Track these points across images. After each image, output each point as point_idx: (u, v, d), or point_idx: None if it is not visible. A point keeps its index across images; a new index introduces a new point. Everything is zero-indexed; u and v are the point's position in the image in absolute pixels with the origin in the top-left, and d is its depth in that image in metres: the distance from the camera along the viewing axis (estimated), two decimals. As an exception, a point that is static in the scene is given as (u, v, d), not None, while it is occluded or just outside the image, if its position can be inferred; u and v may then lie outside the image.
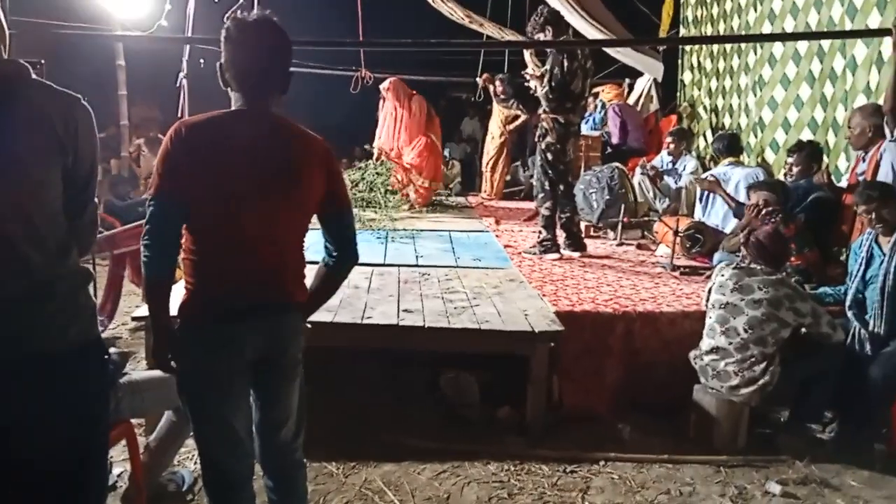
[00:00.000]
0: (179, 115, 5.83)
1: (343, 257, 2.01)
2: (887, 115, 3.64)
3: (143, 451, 2.58)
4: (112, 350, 2.35)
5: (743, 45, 6.73)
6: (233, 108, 1.87)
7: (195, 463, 2.93)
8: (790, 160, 4.65)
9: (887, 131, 3.66)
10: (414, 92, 7.34)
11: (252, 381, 1.95)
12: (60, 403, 1.54)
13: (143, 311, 3.32)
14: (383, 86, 7.32)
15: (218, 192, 1.78)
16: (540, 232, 5.06)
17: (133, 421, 2.55)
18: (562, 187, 4.97)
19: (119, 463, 2.79)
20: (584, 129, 7.52)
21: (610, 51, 7.35)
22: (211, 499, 1.99)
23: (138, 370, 2.93)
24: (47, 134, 1.49)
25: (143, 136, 9.40)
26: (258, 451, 2.04)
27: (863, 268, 3.34)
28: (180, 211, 1.79)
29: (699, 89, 7.90)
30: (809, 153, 4.54)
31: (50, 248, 1.53)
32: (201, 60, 6.52)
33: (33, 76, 1.52)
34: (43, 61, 2.47)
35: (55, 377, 1.53)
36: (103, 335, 2.77)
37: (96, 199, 1.70)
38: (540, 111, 4.99)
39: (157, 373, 2.75)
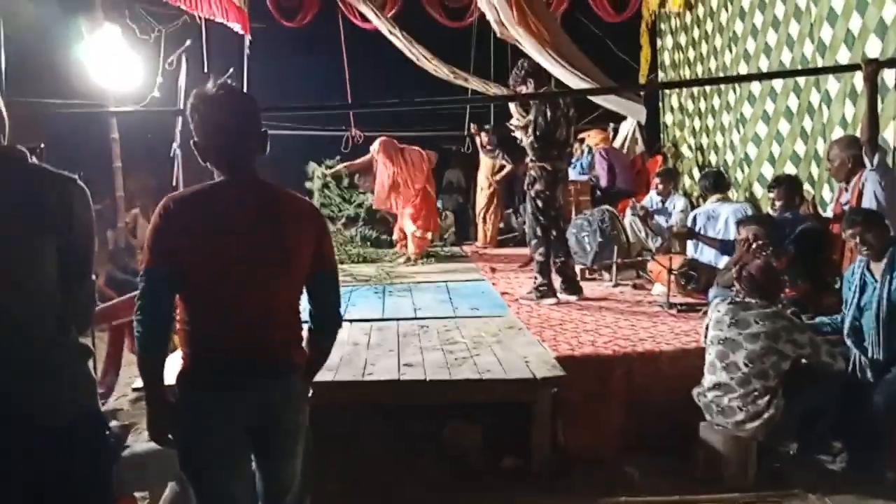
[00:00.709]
0: (174, 183, 5.92)
1: (327, 323, 2.04)
2: (865, 146, 3.74)
3: (148, 524, 2.55)
4: (113, 423, 2.36)
5: (723, 85, 6.92)
6: (216, 178, 1.90)
7: (201, 532, 2.88)
8: (771, 195, 4.75)
9: (867, 161, 3.75)
10: (405, 146, 7.46)
11: (252, 448, 1.94)
12: (62, 478, 1.55)
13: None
14: (373, 147, 7.44)
15: (208, 264, 1.81)
16: (536, 278, 5.10)
17: (136, 494, 2.53)
18: (554, 233, 5.03)
19: (123, 537, 2.74)
20: (573, 174, 7.64)
21: (593, 97, 7.53)
22: None
23: (140, 442, 2.92)
24: (41, 211, 1.55)
25: (139, 207, 9.52)
26: None
27: (857, 295, 3.37)
28: (171, 284, 1.81)
29: (682, 130, 8.08)
30: (788, 186, 4.65)
31: (49, 324, 1.56)
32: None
33: (30, 160, 1.59)
34: (42, 146, 2.54)
35: (56, 452, 1.53)
36: (104, 408, 2.77)
37: (94, 276, 1.74)
38: (527, 160, 5.10)
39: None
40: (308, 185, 7.44)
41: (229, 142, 1.86)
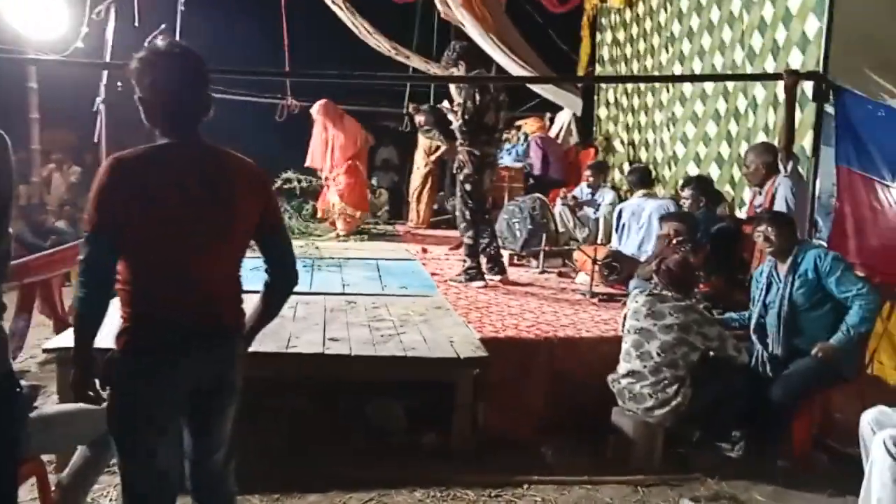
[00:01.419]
0: (96, 140, 5.65)
1: (283, 279, 2.04)
2: (781, 153, 3.95)
3: (55, 489, 2.47)
4: (22, 383, 2.26)
5: (656, 84, 7.14)
6: (161, 140, 1.87)
7: (110, 500, 2.82)
8: (683, 194, 4.95)
9: (781, 167, 3.96)
10: (345, 114, 7.38)
11: (186, 410, 1.93)
12: None
13: (57, 342, 3.20)
14: (314, 108, 7.33)
15: (155, 226, 1.79)
16: (464, 260, 5.15)
17: (43, 457, 2.44)
18: (481, 216, 5.09)
19: (27, 502, 2.65)
20: (507, 160, 7.74)
21: (531, 86, 7.63)
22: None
23: (48, 404, 2.82)
24: None
25: (54, 161, 9.05)
26: (190, 479, 2.02)
27: (763, 294, 3.58)
28: (114, 245, 1.78)
29: (616, 124, 8.29)
30: (696, 186, 4.87)
31: None
32: (118, 84, 6.36)
33: None
34: None
35: None
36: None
37: (10, 231, 1.66)
38: (457, 143, 5.10)
39: (69, 406, 2.66)
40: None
41: (180, 101, 1.83)
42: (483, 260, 5.16)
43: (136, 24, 6.26)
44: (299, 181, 7.11)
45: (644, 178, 5.59)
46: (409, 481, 3.11)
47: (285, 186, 7.12)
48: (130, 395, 1.84)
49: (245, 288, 2.02)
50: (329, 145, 7.18)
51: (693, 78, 6.37)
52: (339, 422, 3.66)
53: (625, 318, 3.54)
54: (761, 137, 5.07)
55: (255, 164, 1.99)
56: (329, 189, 7.29)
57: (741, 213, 4.92)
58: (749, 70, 5.37)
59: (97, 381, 1.88)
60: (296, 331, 3.61)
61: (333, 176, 7.24)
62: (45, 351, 3.38)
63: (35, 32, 6.80)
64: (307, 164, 7.39)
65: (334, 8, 7.70)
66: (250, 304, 2.06)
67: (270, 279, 2.03)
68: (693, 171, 6.20)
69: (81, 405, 2.60)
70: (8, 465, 1.61)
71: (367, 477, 3.12)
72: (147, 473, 1.88)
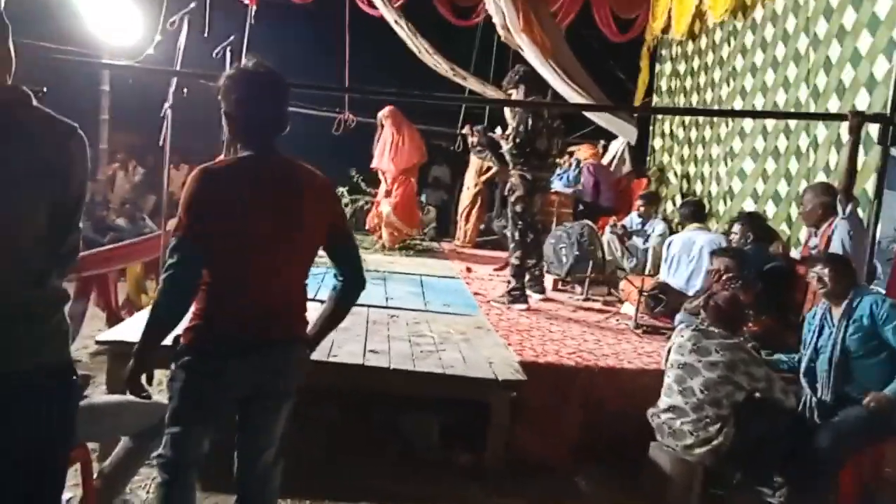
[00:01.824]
0: (160, 143, 5.86)
1: (352, 284, 2.14)
2: (840, 194, 3.84)
3: (97, 477, 2.55)
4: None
5: (716, 118, 7.04)
6: (243, 152, 2.00)
7: (148, 492, 2.90)
8: (733, 229, 4.86)
9: (840, 209, 3.85)
10: (408, 122, 7.52)
11: (240, 410, 2.05)
12: (27, 422, 1.55)
13: (109, 335, 3.32)
14: (382, 112, 7.49)
15: (234, 233, 1.91)
16: (509, 281, 5.17)
17: (88, 445, 2.52)
18: (530, 237, 5.13)
19: (70, 488, 2.73)
20: (558, 185, 7.73)
21: (587, 113, 7.61)
22: (160, 470, 2.03)
23: (97, 394, 2.91)
24: (40, 161, 1.53)
25: (119, 162, 9.42)
26: (237, 476, 2.11)
27: (815, 337, 3.47)
28: (202, 251, 1.90)
29: (670, 155, 8.20)
30: (745, 222, 4.76)
31: (30, 271, 1.55)
32: (184, 90, 6.59)
33: (34, 104, 1.57)
34: (45, 89, 2.52)
35: (24, 397, 1.54)
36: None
37: (81, 225, 1.74)
38: (509, 167, 5.15)
39: (116, 398, 2.75)
40: None
41: (261, 117, 1.97)
42: (525, 277, 5.18)
43: (207, 34, 6.49)
44: (354, 200, 7.22)
45: (697, 212, 5.51)
46: (440, 498, 3.11)
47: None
48: (185, 383, 1.95)
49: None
50: (396, 148, 7.31)
51: (755, 114, 6.26)
52: (374, 434, 3.68)
53: (668, 351, 3.47)
54: (821, 177, 4.95)
55: (323, 176, 2.09)
56: (381, 200, 7.39)
57: (796, 253, 4.79)
58: (813, 109, 5.25)
59: (149, 378, 1.99)
60: (338, 340, 3.66)
61: (392, 184, 7.33)
62: (97, 343, 3.49)
63: (112, 39, 7.12)
64: (373, 165, 7.54)
65: (396, 28, 7.85)
66: (312, 312, 2.14)
67: (341, 285, 2.13)
68: (749, 207, 6.07)
69: (129, 397, 2.69)
70: (61, 450, 1.67)
71: (399, 491, 3.13)
72: (184, 446, 1.99)
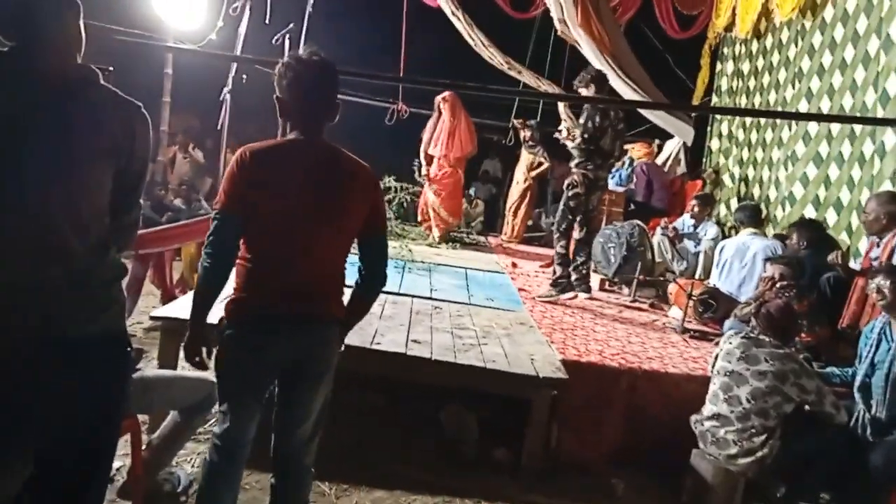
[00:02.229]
0: (219, 127, 6.01)
1: (372, 278, 2.20)
2: (906, 204, 3.68)
3: (146, 448, 2.64)
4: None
5: (777, 120, 6.82)
6: (290, 135, 2.07)
7: (193, 466, 2.98)
8: (791, 236, 4.73)
9: (905, 219, 3.70)
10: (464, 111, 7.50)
11: (280, 381, 2.14)
12: (83, 388, 1.62)
13: (163, 311, 3.42)
14: (441, 97, 7.44)
15: (273, 212, 1.99)
16: (554, 271, 5.21)
17: (139, 417, 2.61)
18: (583, 234, 5.14)
19: (119, 457, 2.84)
20: (610, 183, 7.61)
21: (643, 111, 7.48)
22: (212, 450, 2.14)
23: (149, 368, 3.01)
24: (105, 137, 1.60)
25: (178, 144, 9.67)
26: (273, 449, 2.19)
27: (872, 352, 3.35)
28: (239, 226, 2.00)
29: (727, 158, 7.99)
30: (800, 229, 4.68)
31: (92, 241, 1.62)
32: (244, 77, 6.74)
33: (101, 82, 1.64)
34: (111, 68, 2.63)
35: (81, 362, 1.60)
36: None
37: (141, 201, 1.81)
38: (571, 164, 5.14)
39: (167, 372, 2.84)
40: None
41: (311, 104, 2.05)
42: (573, 276, 5.17)
43: (267, 21, 6.62)
44: (400, 188, 7.25)
45: (754, 216, 5.36)
46: (475, 492, 3.11)
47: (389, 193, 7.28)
48: (227, 357, 2.07)
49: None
50: (450, 135, 7.26)
51: (818, 117, 6.03)
52: (412, 424, 3.71)
53: (716, 358, 3.40)
54: (886, 186, 4.74)
55: (368, 168, 2.14)
56: (428, 188, 7.40)
57: (855, 264, 4.62)
58: (881, 114, 5.04)
59: (205, 349, 2.10)
60: (381, 329, 3.69)
61: (439, 171, 7.33)
62: (151, 318, 3.60)
63: (176, 23, 7.32)
64: (431, 151, 7.49)
65: (453, 19, 7.84)
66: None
67: (361, 278, 2.20)
68: (809, 213, 5.87)
69: (179, 372, 2.78)
70: (114, 416, 1.74)
71: (434, 481, 3.15)
72: (235, 424, 2.09)
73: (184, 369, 3.25)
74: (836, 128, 5.74)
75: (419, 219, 7.73)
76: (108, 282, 1.68)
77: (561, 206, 5.18)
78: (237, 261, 2.05)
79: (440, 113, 7.41)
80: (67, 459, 1.64)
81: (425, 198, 7.52)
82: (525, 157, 8.33)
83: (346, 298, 2.22)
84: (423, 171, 7.45)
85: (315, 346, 2.10)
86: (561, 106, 5.84)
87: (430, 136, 7.42)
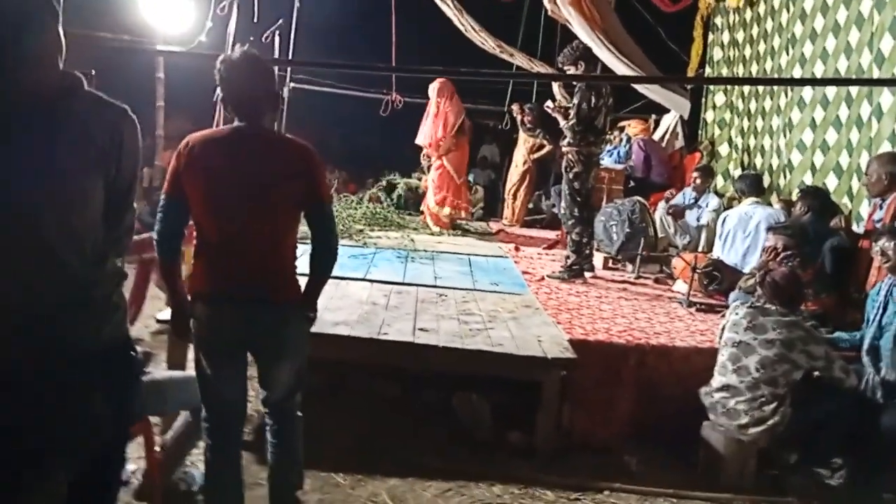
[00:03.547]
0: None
1: (319, 247, 2.34)
2: (908, 164, 3.66)
3: (158, 450, 2.65)
4: (138, 349, 2.44)
5: (775, 88, 6.78)
6: (233, 125, 2.26)
7: (207, 465, 3.00)
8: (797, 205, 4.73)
9: (907, 180, 3.68)
10: (456, 94, 7.41)
11: (244, 354, 2.34)
12: (90, 401, 1.61)
13: (169, 314, 3.43)
14: (433, 85, 7.39)
15: (209, 195, 2.18)
16: (568, 257, 5.27)
17: (151, 419, 2.62)
18: (585, 214, 5.17)
19: (133, 460, 2.86)
20: (609, 161, 7.59)
21: (637, 86, 7.43)
22: (204, 437, 2.39)
23: (159, 370, 3.03)
24: (93, 145, 1.56)
25: (175, 148, 9.67)
26: (263, 406, 2.46)
27: (879, 314, 3.34)
28: (181, 209, 2.23)
29: (723, 128, 7.95)
30: (805, 196, 4.68)
31: (88, 254, 1.59)
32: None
33: (85, 87, 1.61)
34: (93, 72, 2.62)
35: (86, 376, 1.59)
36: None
37: (136, 205, 1.79)
38: (564, 143, 5.14)
39: (177, 373, 2.85)
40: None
41: (242, 98, 2.22)
42: (584, 253, 5.24)
43: (256, 20, 6.58)
44: (397, 184, 7.21)
45: (756, 185, 5.34)
46: (489, 476, 3.13)
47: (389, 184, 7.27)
48: (195, 334, 2.28)
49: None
50: (443, 119, 7.19)
51: (813, 81, 6.00)
52: (425, 412, 3.73)
53: (723, 329, 3.40)
54: (885, 148, 4.71)
55: (305, 146, 2.29)
56: (429, 190, 7.37)
57: (858, 228, 4.60)
58: (876, 75, 5.00)
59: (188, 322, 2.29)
60: (388, 319, 3.70)
61: (436, 163, 7.29)
62: (158, 321, 3.62)
63: (164, 26, 7.28)
64: (417, 140, 7.47)
65: (442, 6, 7.78)
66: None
67: (312, 249, 2.34)
68: (809, 180, 5.85)
69: (188, 373, 2.79)
70: (123, 423, 1.74)
71: (448, 468, 3.16)
72: (207, 394, 2.33)
73: (192, 371, 3.27)
74: (831, 92, 5.70)
75: (423, 208, 7.73)
76: (110, 290, 1.67)
77: (566, 192, 5.19)
78: (194, 242, 2.28)
79: (431, 102, 7.39)
80: (77, 468, 1.63)
81: (426, 202, 7.48)
82: (524, 139, 8.30)
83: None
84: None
85: (269, 327, 2.25)
86: (555, 86, 5.80)
87: (425, 127, 7.39)
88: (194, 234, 2.33)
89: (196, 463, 2.99)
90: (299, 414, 2.50)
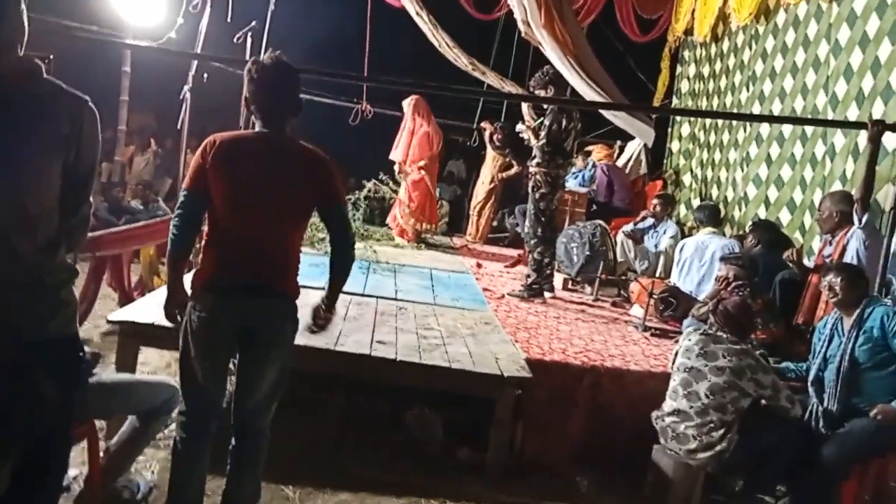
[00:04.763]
0: (179, 126, 5.90)
1: (338, 242, 2.43)
2: (857, 204, 3.80)
3: (103, 455, 2.58)
4: (86, 349, 2.38)
5: (734, 122, 6.99)
6: (256, 129, 2.36)
7: (153, 472, 2.93)
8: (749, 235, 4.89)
9: (856, 218, 3.82)
10: (431, 114, 7.47)
11: (238, 350, 2.35)
12: (34, 391, 1.57)
13: (121, 314, 3.36)
14: (407, 101, 7.42)
15: (229, 194, 2.26)
16: (528, 276, 5.30)
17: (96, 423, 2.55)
18: (548, 234, 5.23)
19: (76, 464, 2.77)
20: (573, 184, 7.71)
21: (605, 112, 7.58)
22: (178, 428, 2.39)
23: (107, 373, 2.95)
24: (52, 132, 1.55)
25: (135, 144, 9.49)
26: (232, 414, 2.42)
27: (825, 347, 3.44)
28: (201, 203, 2.31)
29: (687, 159, 8.15)
30: (755, 230, 4.86)
31: (39, 240, 1.57)
32: (205, 75, 6.61)
33: (44, 75, 1.58)
34: (52, 56, 2.60)
35: (31, 366, 1.56)
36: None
37: (91, 199, 1.76)
38: (532, 164, 5.20)
39: (125, 377, 2.79)
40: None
41: (276, 103, 2.32)
42: (544, 274, 5.29)
43: (229, 19, 6.52)
44: (376, 191, 7.19)
45: (714, 216, 5.50)
46: (441, 492, 3.12)
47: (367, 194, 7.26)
48: (188, 326, 2.30)
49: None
50: (410, 139, 7.24)
51: (772, 119, 6.19)
52: (377, 426, 3.70)
53: (676, 354, 3.46)
54: (837, 186, 4.90)
55: (320, 154, 2.38)
56: (401, 201, 7.36)
57: (809, 262, 4.76)
58: (831, 117, 5.20)
59: (178, 310, 2.37)
60: (346, 330, 3.68)
61: (408, 179, 7.31)
62: (108, 322, 3.53)
63: (134, 20, 7.17)
64: (391, 156, 7.48)
65: (417, 20, 7.83)
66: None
67: (331, 245, 2.45)
68: (763, 214, 6.03)
69: (137, 376, 2.73)
70: (66, 424, 1.70)
71: (400, 482, 3.15)
72: (191, 390, 2.34)
73: (143, 374, 3.20)
74: (787, 130, 5.91)
75: (387, 222, 7.71)
76: (60, 283, 1.63)
77: (531, 212, 5.24)
78: (204, 237, 2.36)
79: (406, 117, 7.42)
80: (17, 465, 1.59)
81: (396, 214, 7.48)
82: (491, 157, 8.37)
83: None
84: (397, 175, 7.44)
85: (263, 315, 2.31)
86: (524, 107, 5.89)
87: (400, 144, 7.40)
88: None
89: (140, 471, 2.91)
90: (268, 433, 2.47)
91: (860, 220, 3.81)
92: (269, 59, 2.32)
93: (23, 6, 1.58)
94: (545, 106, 5.31)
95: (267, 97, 2.30)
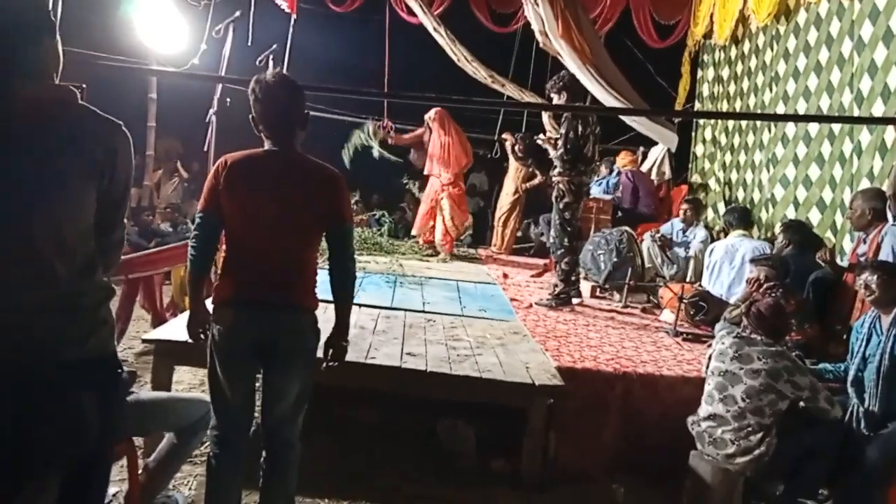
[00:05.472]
0: (206, 149, 6.00)
1: (336, 262, 2.43)
2: (890, 200, 3.74)
3: (141, 472, 2.61)
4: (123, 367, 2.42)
5: (758, 123, 6.92)
6: (265, 147, 2.38)
7: (190, 488, 2.96)
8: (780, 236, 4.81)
9: (889, 215, 3.75)
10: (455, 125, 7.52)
11: (257, 363, 2.37)
12: (75, 410, 1.60)
13: (154, 334, 3.41)
14: (429, 115, 7.46)
15: (242, 212, 2.31)
16: (556, 285, 5.28)
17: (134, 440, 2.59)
18: (574, 242, 5.23)
19: (116, 482, 2.81)
20: (597, 191, 7.69)
21: (626, 119, 7.55)
22: (211, 444, 2.43)
23: (144, 391, 2.99)
24: (87, 157, 1.59)
25: (163, 168, 9.67)
26: (261, 424, 2.45)
27: (863, 346, 3.37)
28: (217, 223, 2.37)
29: (712, 162, 8.07)
30: (787, 230, 4.75)
31: (77, 263, 1.61)
32: (228, 100, 6.74)
33: (80, 101, 1.63)
34: (84, 86, 2.67)
35: (71, 386, 1.59)
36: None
37: (125, 221, 1.80)
38: (554, 173, 5.19)
39: (162, 395, 2.82)
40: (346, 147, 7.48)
41: (274, 120, 2.34)
42: (571, 282, 5.28)
43: (250, 43, 6.64)
44: (384, 216, 7.30)
45: (743, 218, 5.45)
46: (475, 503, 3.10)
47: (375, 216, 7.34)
48: (213, 342, 2.35)
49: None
50: (444, 151, 7.28)
51: (797, 118, 6.12)
52: (409, 438, 3.70)
53: (709, 359, 3.41)
54: (865, 183, 4.81)
55: (331, 169, 2.42)
56: (439, 210, 7.40)
57: (842, 261, 4.67)
58: (856, 114, 5.13)
59: (202, 328, 2.43)
60: (375, 343, 3.69)
61: (442, 190, 7.34)
62: (143, 342, 3.59)
63: (160, 47, 7.33)
64: (426, 172, 7.52)
65: (435, 35, 7.90)
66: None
67: (329, 259, 2.44)
68: (792, 214, 5.94)
69: (174, 394, 2.77)
70: (106, 441, 1.72)
71: (433, 494, 3.14)
72: (219, 405, 2.38)
73: (178, 392, 3.24)
74: (814, 129, 5.83)
75: (414, 233, 7.74)
76: (96, 304, 1.67)
77: (556, 222, 5.22)
78: (223, 255, 2.41)
79: (430, 131, 7.44)
80: (59, 485, 1.61)
81: (428, 215, 7.52)
82: (514, 167, 8.37)
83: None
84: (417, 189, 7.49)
85: (283, 330, 2.33)
86: (545, 116, 5.90)
87: (434, 161, 7.42)
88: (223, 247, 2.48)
89: (178, 487, 2.95)
90: (298, 444, 2.49)
91: (894, 217, 3.74)
92: (271, 75, 2.36)
93: (58, 37, 1.63)
94: (563, 114, 5.31)
95: (273, 114, 2.33)
